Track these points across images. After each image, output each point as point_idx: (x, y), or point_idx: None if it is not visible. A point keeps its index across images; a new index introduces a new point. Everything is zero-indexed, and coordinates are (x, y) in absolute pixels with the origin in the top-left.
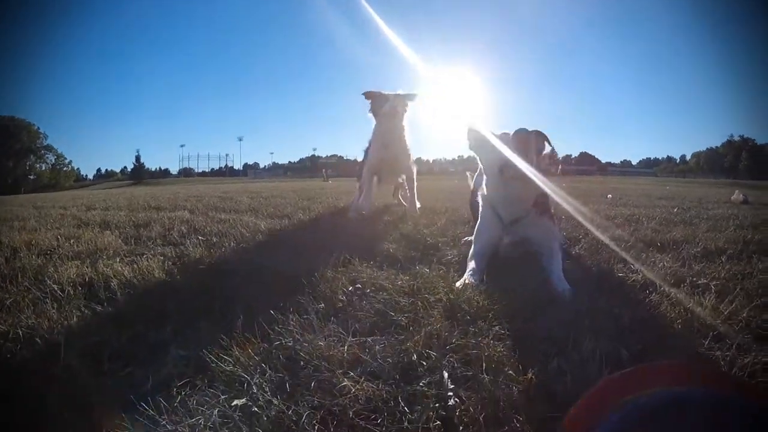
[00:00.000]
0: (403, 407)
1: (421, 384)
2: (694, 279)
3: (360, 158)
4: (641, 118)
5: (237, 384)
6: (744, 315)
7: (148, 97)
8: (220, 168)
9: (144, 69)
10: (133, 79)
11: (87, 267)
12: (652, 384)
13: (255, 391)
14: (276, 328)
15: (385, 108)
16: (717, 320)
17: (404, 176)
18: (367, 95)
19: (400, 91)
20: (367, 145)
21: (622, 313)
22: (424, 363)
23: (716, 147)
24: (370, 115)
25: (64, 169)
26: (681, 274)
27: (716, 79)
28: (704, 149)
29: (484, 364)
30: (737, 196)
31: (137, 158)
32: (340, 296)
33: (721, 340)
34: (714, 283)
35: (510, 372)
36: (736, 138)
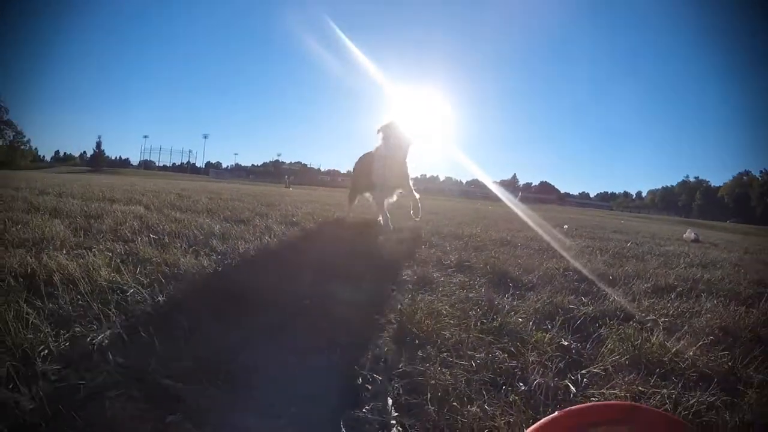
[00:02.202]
0: None
1: (364, 410)
2: (643, 315)
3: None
4: (601, 154)
5: (174, 398)
6: (690, 353)
7: (115, 82)
8: (182, 164)
9: (115, 54)
10: (102, 62)
11: (31, 257)
12: (595, 424)
13: (191, 406)
14: (218, 340)
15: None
16: (664, 357)
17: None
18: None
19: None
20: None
21: (570, 345)
22: (369, 387)
23: (672, 186)
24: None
25: (22, 147)
26: (631, 309)
27: (676, 124)
28: (660, 187)
29: (429, 393)
30: (689, 234)
31: (98, 144)
32: (289, 310)
33: (668, 378)
34: (662, 320)
35: (455, 404)
36: (692, 179)
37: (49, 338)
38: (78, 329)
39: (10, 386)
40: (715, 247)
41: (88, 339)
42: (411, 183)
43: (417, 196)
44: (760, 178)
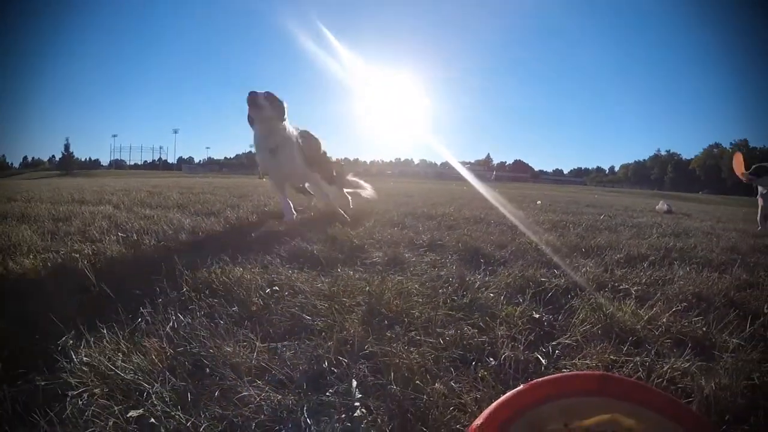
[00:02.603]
0: (306, 418)
1: (328, 393)
2: (616, 284)
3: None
4: (574, 130)
5: (137, 393)
6: (664, 320)
7: (80, 82)
8: (154, 161)
9: (77, 53)
10: (64, 62)
11: None
12: (560, 396)
13: (154, 401)
14: (182, 332)
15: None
16: (637, 325)
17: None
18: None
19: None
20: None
21: (542, 318)
22: (335, 370)
23: (644, 160)
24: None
25: None
26: (603, 279)
27: (646, 96)
28: (632, 162)
29: (392, 373)
30: (662, 206)
31: (66, 147)
32: (255, 299)
33: (641, 345)
34: (635, 288)
35: (418, 382)
36: (663, 152)
37: (13, 341)
38: (42, 331)
39: None
40: (688, 218)
41: (54, 340)
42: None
43: (330, 188)
44: (730, 150)
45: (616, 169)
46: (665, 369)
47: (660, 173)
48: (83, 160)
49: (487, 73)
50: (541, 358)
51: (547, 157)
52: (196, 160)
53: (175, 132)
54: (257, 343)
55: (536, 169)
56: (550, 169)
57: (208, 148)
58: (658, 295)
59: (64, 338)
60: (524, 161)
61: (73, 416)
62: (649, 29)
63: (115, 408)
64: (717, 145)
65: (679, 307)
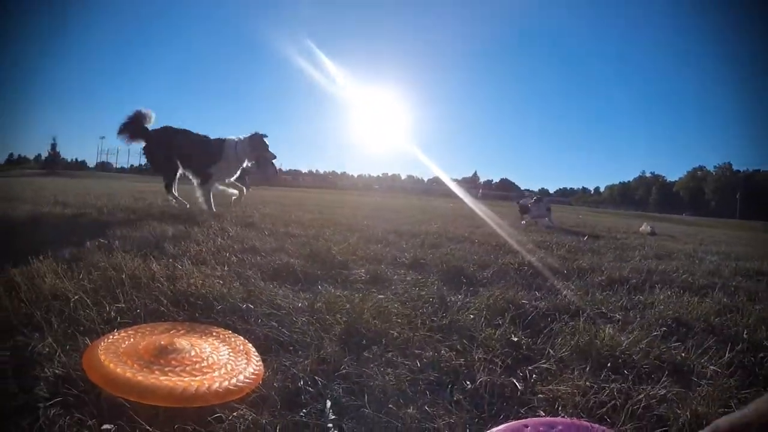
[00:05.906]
0: None
1: (302, 413)
2: (597, 308)
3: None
4: (560, 151)
5: (112, 406)
6: (643, 345)
7: (70, 80)
8: (141, 165)
9: (68, 50)
10: (54, 59)
11: None
12: None
13: (130, 416)
14: None
15: None
16: (615, 351)
17: None
18: None
19: None
20: None
21: (520, 341)
22: (311, 389)
23: (629, 181)
24: None
25: None
26: (584, 302)
27: (631, 118)
28: (617, 183)
29: (366, 395)
30: (645, 227)
31: (53, 146)
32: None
33: (619, 371)
34: (617, 313)
35: (391, 406)
36: (648, 174)
37: None
38: (20, 338)
39: None
40: (672, 239)
41: (30, 347)
42: None
43: None
44: (714, 173)
45: (602, 189)
46: (641, 396)
47: (644, 195)
48: (69, 160)
49: (476, 88)
50: (517, 383)
51: (533, 176)
52: None
53: None
54: None
55: (522, 188)
56: (536, 188)
57: None
58: (638, 319)
59: (41, 345)
60: (510, 180)
61: (47, 426)
62: (633, 51)
63: (88, 421)
64: (701, 168)
65: (659, 333)
